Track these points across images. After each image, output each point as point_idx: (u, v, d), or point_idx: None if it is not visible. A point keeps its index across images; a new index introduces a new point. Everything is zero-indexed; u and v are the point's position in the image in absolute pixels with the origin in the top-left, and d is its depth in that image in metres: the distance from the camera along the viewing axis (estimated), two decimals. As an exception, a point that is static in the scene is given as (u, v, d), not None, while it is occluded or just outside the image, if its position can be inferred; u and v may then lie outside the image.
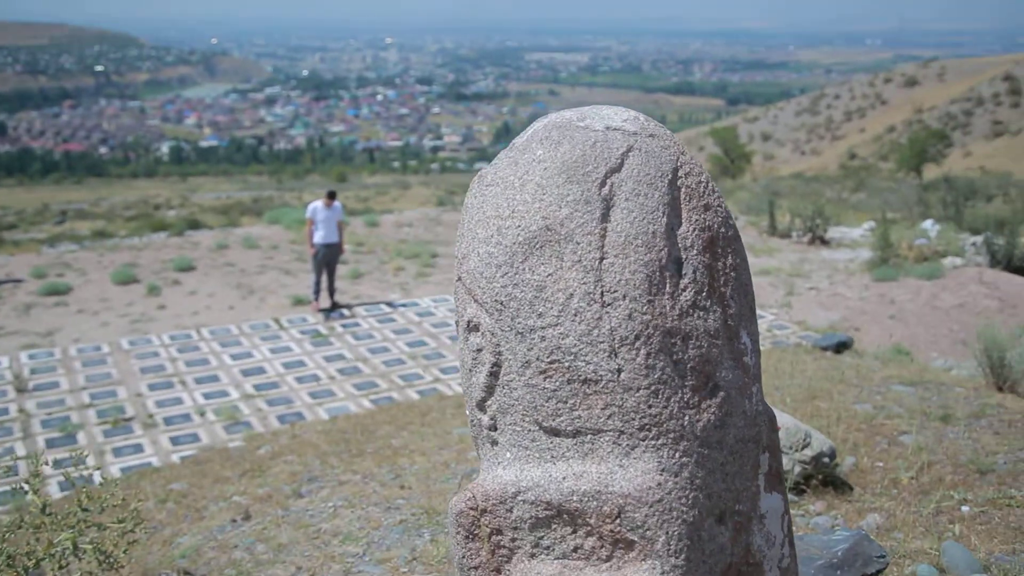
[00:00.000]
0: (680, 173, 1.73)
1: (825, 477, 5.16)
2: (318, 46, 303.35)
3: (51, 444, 8.48)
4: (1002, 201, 23.85)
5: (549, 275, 1.64)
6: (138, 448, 8.44)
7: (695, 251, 1.69)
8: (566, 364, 1.63)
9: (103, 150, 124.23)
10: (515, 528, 1.68)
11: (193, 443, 8.51)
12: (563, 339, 1.63)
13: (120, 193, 46.32)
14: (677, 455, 1.64)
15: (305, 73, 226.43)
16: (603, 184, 1.66)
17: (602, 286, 1.62)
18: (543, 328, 1.64)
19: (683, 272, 1.67)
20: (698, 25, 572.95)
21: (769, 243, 16.95)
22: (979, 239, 14.79)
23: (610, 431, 1.63)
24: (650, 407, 1.63)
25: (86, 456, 3.62)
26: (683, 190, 1.72)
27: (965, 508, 4.89)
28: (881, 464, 5.55)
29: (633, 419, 1.63)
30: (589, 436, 1.64)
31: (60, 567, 3.14)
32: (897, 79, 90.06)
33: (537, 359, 1.65)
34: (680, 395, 1.65)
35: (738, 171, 43.01)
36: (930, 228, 16.72)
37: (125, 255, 16.06)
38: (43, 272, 14.54)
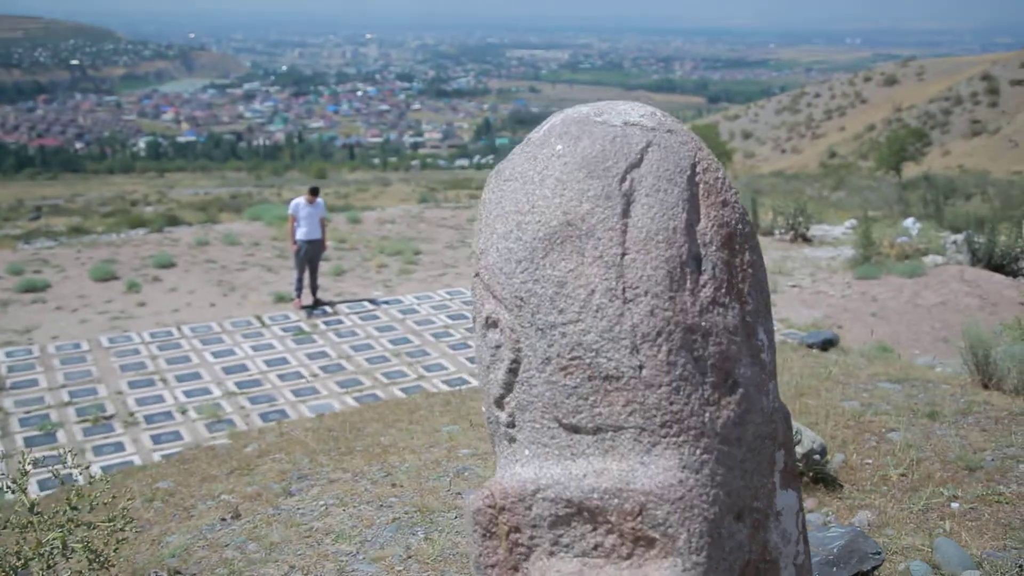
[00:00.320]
0: (698, 169, 1.73)
1: (816, 474, 5.16)
2: (297, 41, 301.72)
3: (30, 442, 8.34)
4: (980, 200, 24.08)
5: (570, 271, 1.63)
6: (119, 446, 8.33)
7: (714, 247, 1.69)
8: (587, 361, 1.62)
9: (79, 145, 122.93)
10: (534, 526, 1.67)
11: (175, 441, 8.41)
12: (584, 335, 1.62)
13: (96, 189, 45.81)
14: (698, 452, 1.63)
15: (284, 69, 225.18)
16: (623, 179, 1.64)
17: (624, 282, 1.61)
18: (564, 324, 1.63)
19: (702, 268, 1.66)
20: (679, 23, 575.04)
21: (752, 240, 17.01)
22: (960, 237, 14.91)
23: (631, 428, 1.63)
24: (671, 404, 1.62)
25: (74, 455, 3.55)
26: (701, 186, 1.71)
27: (955, 505, 4.90)
28: (870, 461, 5.55)
29: (654, 416, 1.62)
30: (610, 433, 1.64)
31: (48, 567, 3.07)
32: (877, 78, 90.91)
33: (558, 356, 1.64)
34: (700, 392, 1.64)
35: (719, 169, 43.12)
36: (911, 226, 16.84)
37: (103, 251, 15.86)
38: (20, 269, 14.32)
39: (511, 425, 1.70)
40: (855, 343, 10.55)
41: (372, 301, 13.07)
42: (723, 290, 1.68)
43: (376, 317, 12.39)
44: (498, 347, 1.71)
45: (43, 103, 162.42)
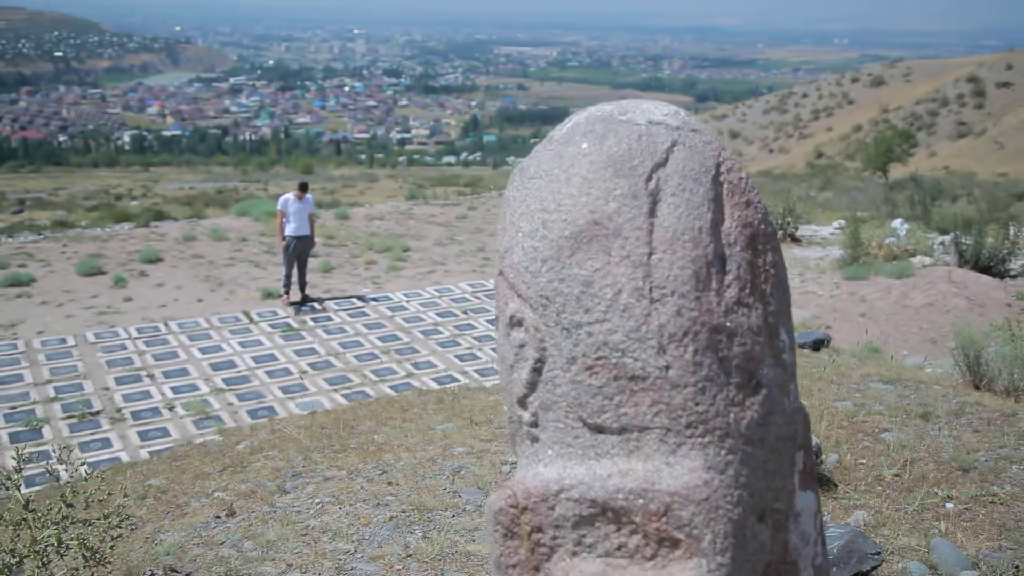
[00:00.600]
0: (722, 169, 1.74)
1: (810, 475, 5.15)
2: (284, 36, 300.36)
3: (16, 438, 8.25)
4: (967, 201, 24.24)
5: (597, 270, 1.63)
6: (106, 443, 8.25)
7: (738, 248, 1.70)
8: (613, 360, 1.63)
9: (62, 138, 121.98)
10: (557, 526, 1.68)
11: (162, 438, 8.34)
12: (611, 335, 1.63)
13: (80, 182, 45.46)
14: (723, 453, 1.65)
15: (271, 63, 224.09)
16: (649, 179, 1.66)
17: (651, 282, 1.62)
18: (590, 324, 1.64)
19: (727, 269, 1.67)
20: (668, 21, 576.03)
21: (741, 240, 17.03)
22: (947, 238, 14.98)
23: (657, 428, 1.64)
24: (697, 404, 1.63)
25: (69, 451, 3.50)
26: (726, 186, 1.73)
27: (949, 505, 4.91)
28: (864, 461, 5.56)
29: (680, 416, 1.63)
30: (635, 433, 1.65)
31: (43, 564, 3.02)
32: (864, 79, 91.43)
33: (583, 355, 1.64)
34: (725, 392, 1.66)
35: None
36: (899, 227, 16.91)
37: (89, 246, 15.71)
38: (4, 263, 14.17)
39: (534, 424, 1.71)
40: (845, 343, 10.57)
41: (361, 298, 13.01)
42: (747, 290, 1.70)
43: (365, 314, 12.33)
44: (522, 346, 1.71)
45: (26, 95, 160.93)
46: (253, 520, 4.99)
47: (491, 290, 13.35)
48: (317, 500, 5.19)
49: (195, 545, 4.72)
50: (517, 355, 1.71)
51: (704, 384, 1.63)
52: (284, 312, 12.26)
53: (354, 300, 12.90)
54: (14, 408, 8.98)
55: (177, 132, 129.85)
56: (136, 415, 8.90)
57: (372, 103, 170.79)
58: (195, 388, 9.63)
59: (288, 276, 12.57)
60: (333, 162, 69.37)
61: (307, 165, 51.23)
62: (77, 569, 3.15)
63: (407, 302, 12.85)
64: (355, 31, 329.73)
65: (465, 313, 12.34)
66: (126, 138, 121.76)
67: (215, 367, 10.23)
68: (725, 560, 1.60)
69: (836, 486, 5.20)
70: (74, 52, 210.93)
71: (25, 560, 2.98)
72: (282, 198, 12.63)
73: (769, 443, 1.73)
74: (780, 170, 50.78)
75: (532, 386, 1.70)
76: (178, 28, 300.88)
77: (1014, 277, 13.61)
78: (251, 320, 11.89)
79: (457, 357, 10.70)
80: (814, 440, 5.07)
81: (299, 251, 12.49)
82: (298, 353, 10.76)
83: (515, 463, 5.72)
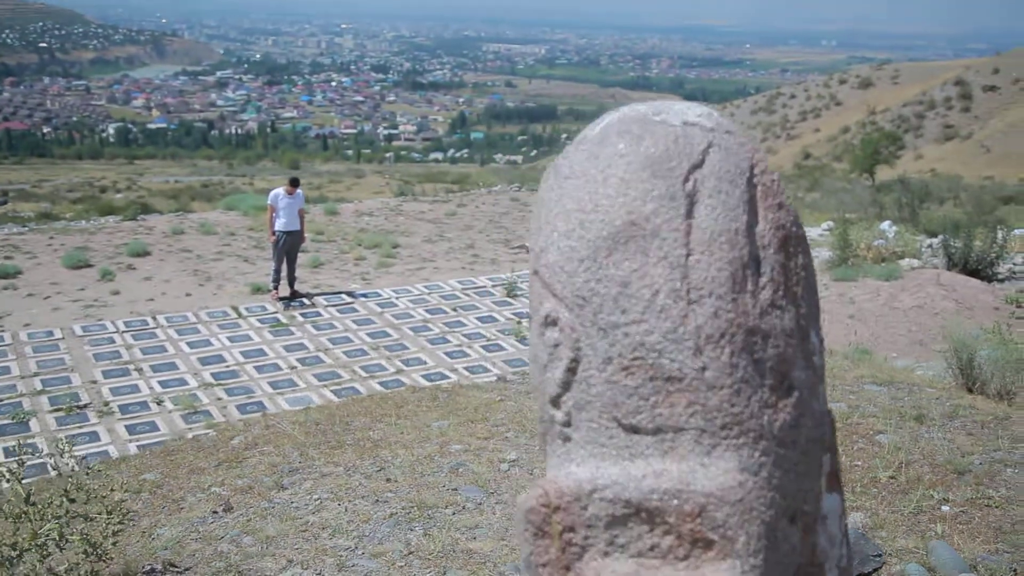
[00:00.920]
0: (756, 171, 1.76)
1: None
2: (271, 29, 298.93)
3: (2, 431, 8.16)
4: (953, 204, 24.39)
5: (634, 271, 1.65)
6: (94, 436, 8.17)
7: (772, 250, 1.72)
8: (650, 361, 1.64)
9: (46, 129, 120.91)
10: (589, 526, 1.69)
11: (151, 432, 8.26)
12: (648, 336, 1.64)
13: (64, 174, 45.12)
14: (756, 454, 1.67)
15: (258, 57, 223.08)
16: (686, 180, 1.68)
17: (688, 283, 1.64)
18: (627, 324, 1.65)
19: (761, 271, 1.69)
20: (656, 20, 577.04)
21: (730, 240, 17.07)
22: (936, 241, 15.06)
23: (692, 429, 1.66)
24: (732, 406, 1.65)
25: (71, 446, 3.45)
26: (759, 188, 1.75)
27: (945, 508, 4.92)
28: (859, 463, 5.56)
29: (716, 418, 1.65)
30: (670, 434, 1.66)
31: (42, 557, 2.98)
32: (852, 80, 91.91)
33: (619, 355, 1.66)
34: (759, 394, 1.67)
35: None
36: (888, 229, 16.99)
37: (76, 238, 15.57)
38: (-11, 254, 14.03)
39: (567, 424, 1.72)
40: (835, 345, 10.60)
41: (350, 294, 12.95)
42: (780, 293, 1.72)
43: (354, 310, 12.27)
44: (556, 346, 1.72)
45: (10, 86, 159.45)
46: (251, 516, 4.94)
47: (480, 287, 13.32)
48: (315, 496, 5.15)
49: (193, 540, 4.67)
50: (551, 355, 1.72)
51: (739, 386, 1.65)
52: (273, 307, 12.18)
53: (343, 296, 12.83)
54: (1, 400, 8.88)
55: (162, 125, 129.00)
56: (124, 409, 8.82)
57: (359, 98, 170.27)
58: (183, 382, 9.55)
59: (277, 271, 12.49)
60: (320, 157, 69.18)
61: (293, 160, 50.99)
62: (77, 563, 3.11)
63: (396, 298, 12.79)
64: (343, 26, 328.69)
65: (455, 310, 12.31)
66: (111, 130, 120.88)
67: (203, 361, 10.15)
68: (758, 561, 1.61)
69: (832, 487, 5.20)
70: (59, 43, 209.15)
71: (25, 554, 2.94)
72: (272, 193, 12.55)
73: (800, 445, 1.76)
74: (767, 171, 50.94)
75: (566, 386, 1.71)
76: (164, 20, 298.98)
77: (1002, 280, 13.70)
78: (240, 315, 11.81)
79: (447, 354, 10.66)
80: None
81: (288, 246, 12.41)
82: (287, 348, 10.69)
83: (513, 461, 5.71)
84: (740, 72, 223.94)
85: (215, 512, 5.03)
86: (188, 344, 10.68)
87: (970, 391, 7.06)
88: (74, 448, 7.66)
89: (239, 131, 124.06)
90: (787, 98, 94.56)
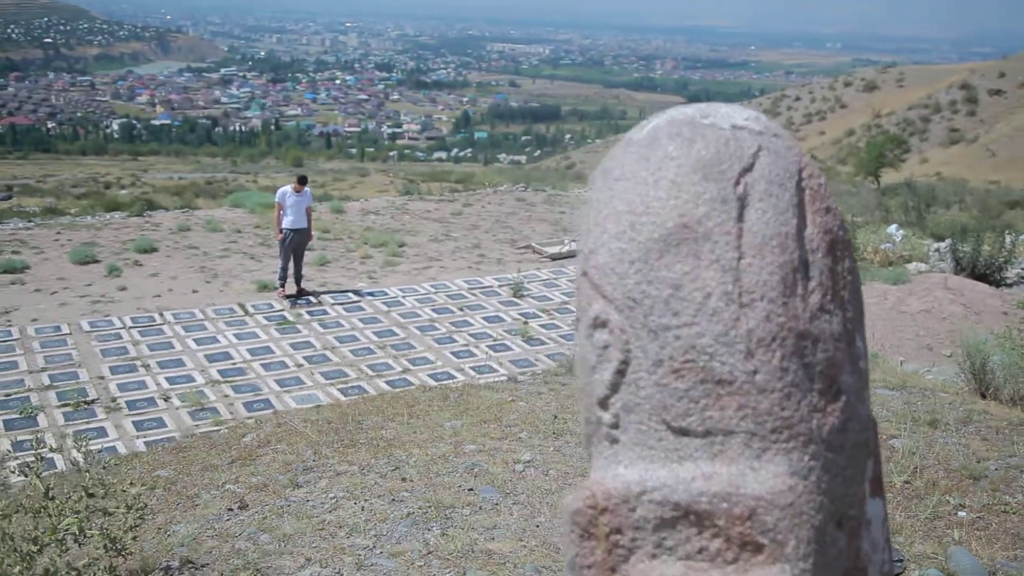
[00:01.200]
0: (804, 175, 1.74)
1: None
2: (276, 27, 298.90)
3: (10, 426, 8.15)
4: (959, 208, 24.34)
5: (686, 273, 1.63)
6: (101, 432, 8.15)
7: (820, 254, 1.70)
8: (700, 364, 1.63)
9: (51, 125, 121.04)
10: (637, 528, 1.67)
11: (158, 428, 8.25)
12: (699, 339, 1.62)
13: (68, 170, 45.16)
14: (806, 459, 1.65)
15: (262, 54, 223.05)
16: (737, 183, 1.66)
17: (740, 286, 1.62)
18: (678, 327, 1.63)
19: (810, 275, 1.68)
20: (660, 21, 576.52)
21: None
22: (943, 245, 15.02)
23: (742, 433, 1.64)
24: (783, 410, 1.63)
25: (87, 442, 3.43)
26: (807, 192, 1.73)
27: (962, 513, 4.89)
28: (874, 468, 5.53)
29: (766, 421, 1.63)
30: (720, 437, 1.64)
31: (61, 552, 2.96)
32: (857, 83, 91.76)
33: (670, 358, 1.64)
34: (809, 398, 1.65)
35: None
36: (895, 233, 16.96)
37: (83, 234, 15.56)
38: (-4, 248, 14.02)
39: (615, 426, 1.71)
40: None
41: (357, 292, 12.94)
42: (828, 297, 1.70)
43: (361, 308, 12.25)
44: (606, 347, 1.70)
45: (15, 81, 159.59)
46: (267, 513, 4.93)
47: (486, 287, 13.31)
48: (331, 495, 5.13)
49: (209, 537, 4.66)
50: (600, 356, 1.71)
51: (790, 390, 1.63)
52: (280, 305, 12.17)
53: (350, 294, 12.82)
54: (8, 395, 8.87)
55: (167, 121, 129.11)
56: (131, 405, 8.81)
57: (363, 97, 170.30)
58: (191, 379, 9.54)
59: (284, 269, 12.48)
60: (323, 155, 69.23)
61: (297, 157, 51.03)
62: (97, 558, 3.10)
63: (403, 297, 12.77)
64: (347, 24, 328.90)
65: (461, 310, 12.29)
66: (115, 126, 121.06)
67: (210, 358, 10.14)
68: (807, 566, 1.60)
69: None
70: (64, 39, 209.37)
71: (44, 549, 2.92)
72: (280, 191, 12.54)
73: (847, 450, 1.74)
74: (772, 173, 50.91)
75: (615, 388, 1.70)
76: (168, 17, 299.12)
77: (1010, 285, 13.66)
78: (246, 312, 11.80)
79: (453, 354, 10.64)
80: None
81: (296, 244, 12.40)
82: (294, 346, 10.67)
83: (528, 461, 5.68)
84: (744, 74, 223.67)
85: (230, 509, 5.01)
86: (195, 341, 10.67)
87: (983, 396, 7.03)
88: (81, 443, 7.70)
89: (243, 128, 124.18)
90: (792, 100, 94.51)
